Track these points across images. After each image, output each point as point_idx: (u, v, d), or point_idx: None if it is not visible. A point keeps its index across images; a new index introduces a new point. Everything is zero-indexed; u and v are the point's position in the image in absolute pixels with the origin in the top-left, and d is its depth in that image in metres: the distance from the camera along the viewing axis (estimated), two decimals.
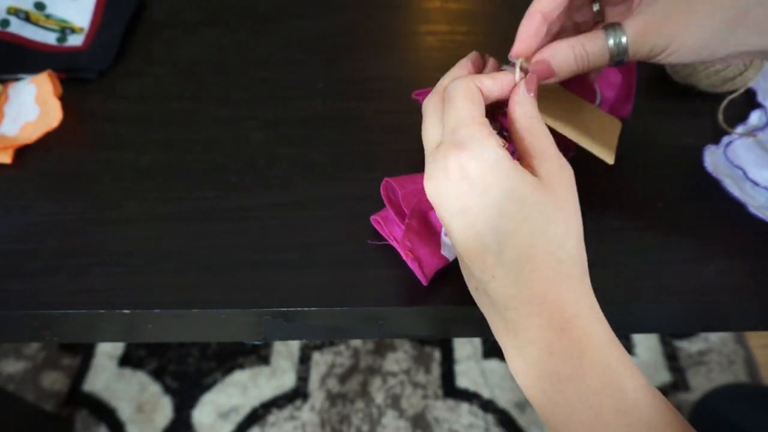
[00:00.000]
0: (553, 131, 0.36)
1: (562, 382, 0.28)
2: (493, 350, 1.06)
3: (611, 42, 0.32)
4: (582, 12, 0.37)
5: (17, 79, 0.50)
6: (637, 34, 0.32)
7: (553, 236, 0.28)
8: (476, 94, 0.30)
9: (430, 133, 0.31)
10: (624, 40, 0.32)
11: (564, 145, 0.39)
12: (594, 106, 0.41)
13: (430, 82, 0.47)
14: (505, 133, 0.37)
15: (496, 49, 0.55)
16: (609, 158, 0.37)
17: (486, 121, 0.30)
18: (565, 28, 0.38)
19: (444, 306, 0.38)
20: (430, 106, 0.32)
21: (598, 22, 0.37)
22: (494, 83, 0.32)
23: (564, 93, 0.39)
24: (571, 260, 0.29)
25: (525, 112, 0.31)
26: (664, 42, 0.31)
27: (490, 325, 0.32)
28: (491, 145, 0.28)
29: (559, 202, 0.29)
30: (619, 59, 0.33)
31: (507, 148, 0.36)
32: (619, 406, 0.27)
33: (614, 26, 0.32)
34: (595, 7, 0.36)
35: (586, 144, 0.36)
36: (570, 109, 0.38)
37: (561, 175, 0.30)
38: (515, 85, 0.32)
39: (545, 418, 0.29)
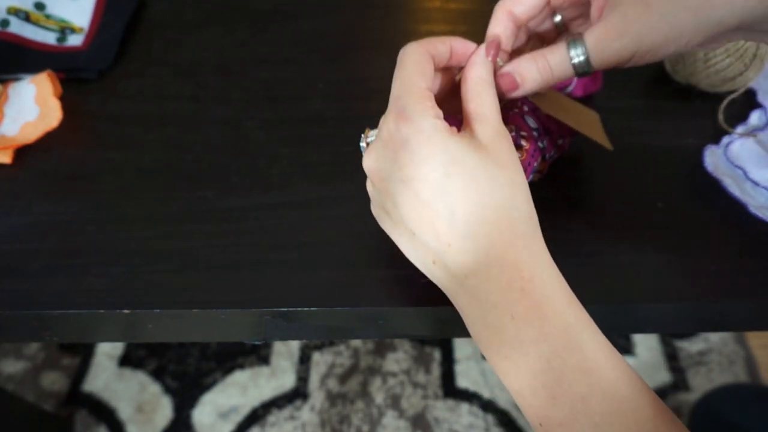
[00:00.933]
0: (557, 121, 0.37)
1: (524, 345, 0.28)
2: None
3: (572, 53, 0.32)
4: (545, 23, 0.37)
5: (17, 79, 0.50)
6: (597, 45, 0.31)
7: (501, 196, 0.28)
8: (426, 62, 0.31)
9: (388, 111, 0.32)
10: (584, 51, 0.32)
11: (567, 131, 0.39)
12: (576, 102, 0.41)
13: None
14: (523, 133, 0.37)
15: None
16: (608, 145, 0.38)
17: (429, 92, 0.30)
18: (530, 39, 0.38)
19: (444, 306, 0.38)
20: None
21: (561, 32, 0.37)
22: (444, 47, 0.32)
23: (554, 92, 0.40)
24: (523, 218, 0.29)
25: (478, 74, 0.31)
26: (629, 47, 0.31)
27: (451, 299, 0.31)
28: (429, 114, 0.29)
29: (502, 162, 0.29)
30: (583, 71, 0.32)
31: (527, 150, 0.37)
32: (581, 365, 0.27)
33: (575, 38, 0.32)
34: (557, 18, 0.36)
35: (589, 133, 0.38)
36: (564, 105, 0.39)
37: (500, 138, 0.30)
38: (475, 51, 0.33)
39: (508, 384, 0.29)
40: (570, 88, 0.44)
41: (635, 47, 0.31)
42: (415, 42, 0.32)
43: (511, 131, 0.38)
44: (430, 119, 0.28)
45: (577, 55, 0.32)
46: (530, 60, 0.33)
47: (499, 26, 0.34)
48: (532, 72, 0.33)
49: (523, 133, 0.38)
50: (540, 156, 0.39)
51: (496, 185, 0.28)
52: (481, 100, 0.31)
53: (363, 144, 0.34)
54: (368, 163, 0.31)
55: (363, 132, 0.34)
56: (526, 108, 0.38)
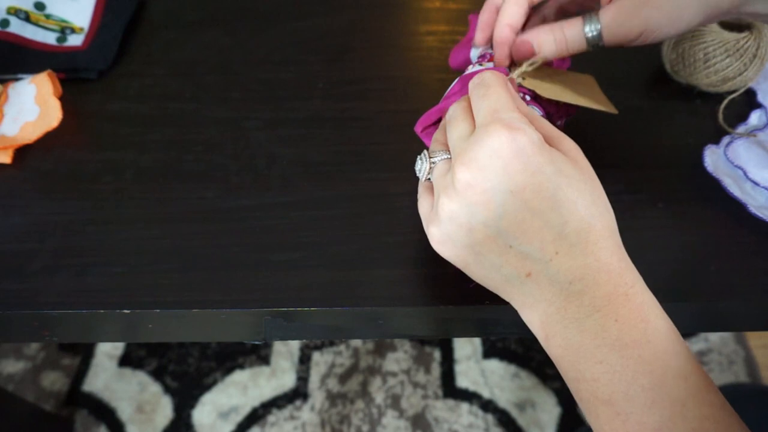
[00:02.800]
0: (553, 103, 0.37)
1: (626, 348, 0.27)
2: (493, 350, 1.06)
3: (587, 29, 0.35)
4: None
5: (17, 79, 0.50)
6: (610, 23, 0.35)
7: (602, 207, 0.29)
8: (509, 86, 0.32)
9: (462, 127, 0.31)
10: (598, 27, 0.35)
11: (564, 110, 0.39)
12: (568, 71, 0.41)
13: (430, 82, 0.47)
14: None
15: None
16: (612, 109, 0.38)
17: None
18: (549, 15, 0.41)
19: (444, 306, 0.38)
20: (461, 108, 0.32)
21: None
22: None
23: (546, 68, 0.40)
24: (615, 227, 0.30)
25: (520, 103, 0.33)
26: (638, 27, 0.35)
27: (531, 309, 0.30)
28: (534, 129, 0.29)
29: (591, 175, 0.30)
30: (595, 44, 0.36)
31: None
32: (680, 370, 0.27)
33: (591, 15, 0.36)
34: None
35: (589, 104, 0.38)
36: (559, 80, 0.39)
37: (581, 154, 0.31)
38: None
39: (599, 392, 0.28)
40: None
41: (643, 27, 0.34)
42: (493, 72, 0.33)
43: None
44: (537, 132, 0.29)
45: (591, 31, 0.35)
46: (548, 31, 0.36)
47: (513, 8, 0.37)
48: (549, 42, 0.36)
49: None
50: None
51: (596, 196, 0.29)
52: (539, 121, 0.32)
53: (424, 164, 0.33)
54: (464, 175, 0.29)
55: (420, 157, 0.33)
56: (528, 98, 0.38)
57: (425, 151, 0.33)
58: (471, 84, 0.32)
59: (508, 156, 0.28)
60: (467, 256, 0.31)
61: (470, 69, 0.40)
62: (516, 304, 0.31)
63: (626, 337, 0.28)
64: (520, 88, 0.38)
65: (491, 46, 0.39)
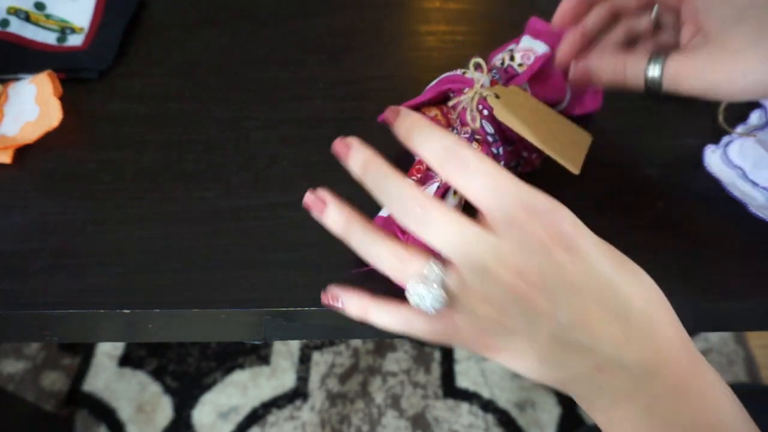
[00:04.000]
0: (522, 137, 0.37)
1: (700, 429, 0.26)
2: None
3: (650, 73, 0.32)
4: (640, 20, 0.36)
5: (17, 79, 0.50)
6: (675, 76, 0.32)
7: (647, 281, 0.27)
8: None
9: (454, 218, 0.26)
10: (660, 73, 0.32)
11: (534, 147, 0.39)
12: (566, 119, 0.40)
13: (430, 82, 0.47)
14: (477, 137, 0.38)
15: (495, 49, 0.55)
16: (574, 169, 0.37)
17: None
18: (617, 39, 0.37)
19: None
20: (436, 203, 0.27)
21: (658, 29, 0.37)
22: None
23: (537, 103, 0.40)
24: (668, 303, 0.28)
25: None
26: (702, 89, 0.31)
27: (603, 399, 0.27)
28: (564, 208, 0.26)
29: (627, 258, 0.28)
30: (654, 91, 0.33)
31: None
32: None
33: (658, 57, 0.32)
34: (653, 14, 0.35)
35: (551, 152, 0.36)
36: (540, 118, 0.38)
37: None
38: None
39: None
40: (563, 105, 0.43)
41: (707, 91, 0.31)
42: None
43: (465, 133, 0.38)
44: (574, 216, 0.26)
45: (653, 75, 0.32)
46: (609, 62, 0.33)
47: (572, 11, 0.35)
48: (608, 74, 0.34)
49: (478, 137, 0.38)
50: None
51: (644, 277, 0.27)
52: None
53: (433, 292, 0.27)
54: (507, 271, 0.25)
55: (419, 288, 0.28)
56: (485, 112, 0.38)
57: (416, 283, 0.27)
58: (449, 166, 0.26)
59: (556, 247, 0.25)
60: (524, 356, 0.27)
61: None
62: (578, 398, 0.28)
63: (700, 419, 0.25)
64: (482, 101, 0.38)
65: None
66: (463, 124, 0.39)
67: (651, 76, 0.32)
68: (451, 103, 0.41)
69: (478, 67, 0.40)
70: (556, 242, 0.25)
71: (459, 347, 0.29)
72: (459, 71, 0.41)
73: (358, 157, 0.29)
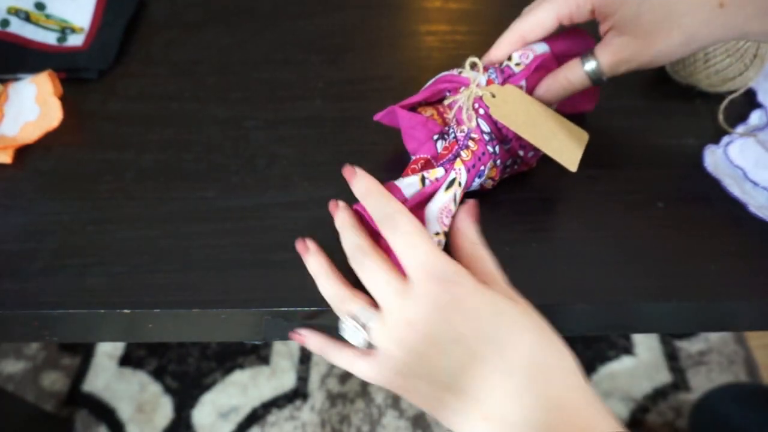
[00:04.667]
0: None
1: None
2: None
3: (588, 69, 0.38)
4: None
5: (17, 79, 0.50)
6: (608, 66, 0.38)
7: (546, 342, 0.30)
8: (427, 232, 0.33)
9: (389, 280, 0.31)
10: (596, 68, 0.38)
11: (530, 146, 0.39)
12: (562, 117, 0.41)
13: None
14: (474, 135, 0.38)
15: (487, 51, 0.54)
16: (571, 166, 0.38)
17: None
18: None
19: None
20: (373, 256, 0.33)
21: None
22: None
23: (533, 102, 0.40)
24: (573, 365, 0.30)
25: (470, 240, 0.34)
26: (638, 67, 0.38)
27: None
28: (467, 273, 0.30)
29: (531, 312, 0.31)
30: (598, 81, 0.39)
31: (473, 151, 0.38)
32: None
33: (588, 56, 0.38)
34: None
35: (548, 150, 0.38)
36: (536, 117, 0.39)
37: (512, 290, 0.32)
38: (456, 212, 0.36)
39: None
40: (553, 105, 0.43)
41: (638, 66, 0.38)
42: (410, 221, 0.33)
43: (461, 131, 0.38)
44: (470, 277, 0.30)
45: (591, 69, 0.38)
46: (555, 81, 0.40)
47: (505, 48, 0.41)
48: (558, 90, 0.40)
49: (474, 136, 0.38)
50: (490, 161, 0.38)
51: (540, 333, 0.30)
52: (482, 262, 0.33)
53: (358, 333, 0.33)
54: (408, 334, 0.30)
55: (346, 326, 0.33)
56: (481, 111, 0.38)
57: (350, 320, 0.33)
58: (385, 225, 0.32)
59: (447, 308, 0.29)
60: (432, 403, 0.31)
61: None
62: None
63: None
64: (477, 100, 0.38)
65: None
66: (459, 123, 0.39)
67: (590, 71, 0.38)
68: (447, 102, 0.41)
69: (474, 66, 0.40)
70: (448, 303, 0.29)
71: (392, 390, 0.33)
72: (455, 71, 0.41)
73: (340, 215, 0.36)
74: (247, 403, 1.01)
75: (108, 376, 1.05)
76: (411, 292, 0.30)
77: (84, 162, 0.45)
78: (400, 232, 0.32)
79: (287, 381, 1.04)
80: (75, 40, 0.54)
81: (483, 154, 0.38)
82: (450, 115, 0.40)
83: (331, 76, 0.51)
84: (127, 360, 1.07)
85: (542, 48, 0.41)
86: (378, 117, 0.42)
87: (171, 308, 0.37)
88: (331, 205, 0.37)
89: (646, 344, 1.06)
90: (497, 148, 0.38)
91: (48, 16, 0.54)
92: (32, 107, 0.47)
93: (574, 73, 0.39)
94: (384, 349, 0.32)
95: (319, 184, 0.44)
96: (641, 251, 0.40)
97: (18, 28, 0.53)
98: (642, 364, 1.04)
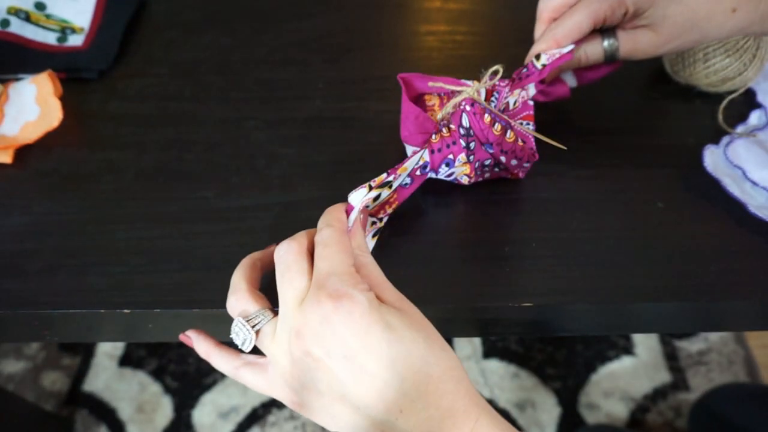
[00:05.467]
0: (516, 145, 0.38)
1: None
2: (493, 350, 1.06)
3: (606, 45, 0.42)
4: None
5: (18, 79, 0.50)
6: (631, 51, 0.41)
7: (437, 350, 0.30)
8: (348, 244, 0.33)
9: (298, 282, 0.31)
10: (615, 49, 0.42)
11: (525, 154, 0.39)
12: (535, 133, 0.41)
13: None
14: (452, 126, 0.39)
15: (495, 49, 0.55)
16: (562, 146, 0.39)
17: (353, 268, 0.31)
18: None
19: (444, 306, 0.38)
20: (294, 257, 0.32)
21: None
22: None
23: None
24: (455, 364, 0.30)
25: (356, 246, 0.34)
26: (651, 55, 0.41)
27: None
28: (364, 289, 0.30)
29: (417, 318, 0.31)
30: (611, 57, 0.42)
31: (442, 136, 0.39)
32: None
33: (609, 36, 0.41)
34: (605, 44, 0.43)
35: (540, 136, 0.39)
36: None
37: (404, 298, 0.32)
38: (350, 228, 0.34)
39: None
40: (531, 92, 0.43)
41: (649, 56, 0.42)
42: (335, 228, 0.33)
43: (444, 123, 0.39)
44: (365, 293, 0.30)
45: (609, 46, 0.42)
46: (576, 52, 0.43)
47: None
48: (577, 59, 0.43)
49: (451, 126, 0.38)
50: (462, 154, 0.38)
51: (430, 341, 0.30)
52: (369, 268, 0.33)
53: (248, 334, 0.32)
54: (299, 344, 0.30)
55: (238, 325, 0.32)
56: (468, 108, 0.38)
57: (240, 319, 0.32)
58: (316, 238, 0.33)
59: (337, 323, 0.29)
60: (324, 417, 0.31)
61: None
62: None
63: None
64: (468, 100, 0.38)
65: None
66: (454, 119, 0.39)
67: (608, 47, 0.42)
68: (454, 93, 0.42)
69: (495, 74, 0.40)
70: (341, 322, 0.29)
71: (283, 402, 0.33)
72: (470, 82, 0.41)
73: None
74: (247, 403, 1.01)
75: (108, 376, 1.05)
76: (307, 301, 0.30)
77: (84, 162, 0.45)
78: (320, 245, 0.32)
79: None
80: (75, 40, 0.54)
81: (453, 143, 0.38)
82: (449, 107, 0.40)
83: (331, 76, 0.51)
84: (127, 360, 1.07)
85: (570, 46, 0.41)
86: (402, 76, 0.42)
87: (171, 308, 0.37)
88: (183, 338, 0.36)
89: (646, 344, 1.06)
90: (473, 145, 0.38)
91: (48, 16, 0.54)
92: (32, 107, 0.47)
93: (594, 49, 0.42)
94: (271, 357, 0.32)
95: (319, 184, 0.44)
96: (641, 251, 0.40)
97: (18, 28, 0.53)
98: (642, 364, 1.04)
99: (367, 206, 0.37)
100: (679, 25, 0.40)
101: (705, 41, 0.41)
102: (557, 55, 0.41)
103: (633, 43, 0.41)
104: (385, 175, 0.37)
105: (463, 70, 0.48)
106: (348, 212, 0.35)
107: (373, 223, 0.38)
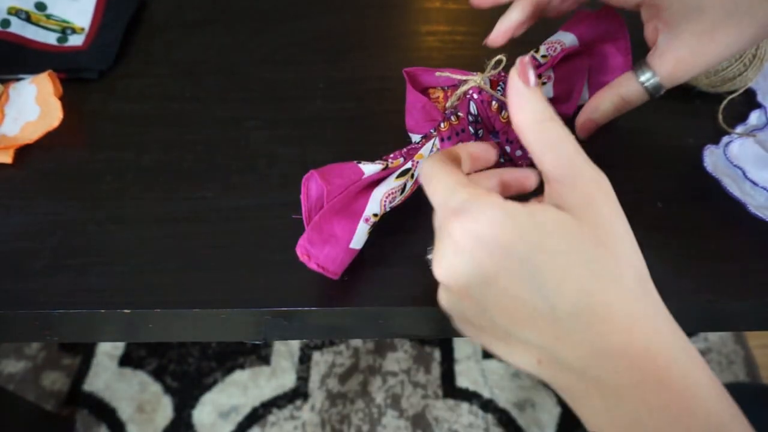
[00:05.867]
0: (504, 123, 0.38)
1: None
2: None
3: (644, 81, 0.36)
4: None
5: (18, 79, 0.50)
6: (671, 74, 0.35)
7: (608, 274, 0.24)
8: (450, 163, 0.28)
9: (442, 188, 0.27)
10: (656, 80, 0.35)
11: (519, 145, 0.39)
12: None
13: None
14: (460, 113, 0.39)
15: (495, 50, 0.55)
16: None
17: (468, 179, 0.27)
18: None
19: None
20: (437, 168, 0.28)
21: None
22: (464, 153, 0.30)
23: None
24: (641, 294, 0.25)
25: (530, 115, 0.26)
26: (699, 71, 0.35)
27: (566, 395, 0.26)
28: (491, 201, 0.25)
29: (600, 229, 0.25)
30: (657, 93, 0.37)
31: (451, 124, 0.38)
32: None
33: (642, 67, 0.35)
34: None
35: None
36: None
37: (593, 193, 0.26)
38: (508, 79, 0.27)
39: None
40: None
41: (703, 71, 0.35)
42: (431, 155, 0.30)
43: (451, 112, 0.39)
44: (496, 204, 0.24)
45: (648, 80, 0.35)
46: (602, 97, 0.37)
47: (519, 12, 0.37)
48: (608, 106, 0.37)
49: (459, 113, 0.38)
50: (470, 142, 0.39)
51: (596, 261, 0.24)
52: (555, 151, 0.26)
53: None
54: (440, 273, 0.26)
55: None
56: (475, 96, 0.38)
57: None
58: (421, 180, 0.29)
59: (467, 248, 0.24)
60: (487, 346, 0.27)
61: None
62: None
63: (665, 430, 0.23)
64: (475, 88, 0.38)
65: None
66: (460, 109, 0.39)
67: (648, 83, 0.35)
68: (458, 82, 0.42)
69: (499, 63, 0.40)
70: (474, 245, 0.24)
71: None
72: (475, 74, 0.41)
73: None
74: (247, 403, 1.02)
75: (108, 376, 1.05)
76: (436, 239, 0.26)
77: (84, 162, 0.45)
78: (425, 184, 0.28)
79: (287, 381, 1.04)
80: (75, 41, 0.54)
81: (462, 130, 0.38)
82: (454, 98, 0.40)
83: (331, 76, 0.51)
84: (127, 360, 1.07)
85: (570, 40, 0.41)
86: (407, 70, 0.42)
87: (171, 308, 0.37)
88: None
89: None
90: (480, 133, 0.38)
91: (48, 17, 0.54)
92: (32, 107, 0.47)
93: (629, 89, 0.35)
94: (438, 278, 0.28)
95: None
96: (641, 251, 0.40)
97: (18, 28, 0.53)
98: None
99: (394, 199, 0.36)
100: (725, 12, 0.31)
101: (764, 35, 0.32)
102: (558, 49, 0.41)
103: (673, 60, 0.34)
104: (402, 159, 0.37)
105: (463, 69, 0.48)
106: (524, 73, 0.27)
107: (375, 214, 0.37)
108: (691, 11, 0.32)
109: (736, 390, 0.27)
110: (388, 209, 0.37)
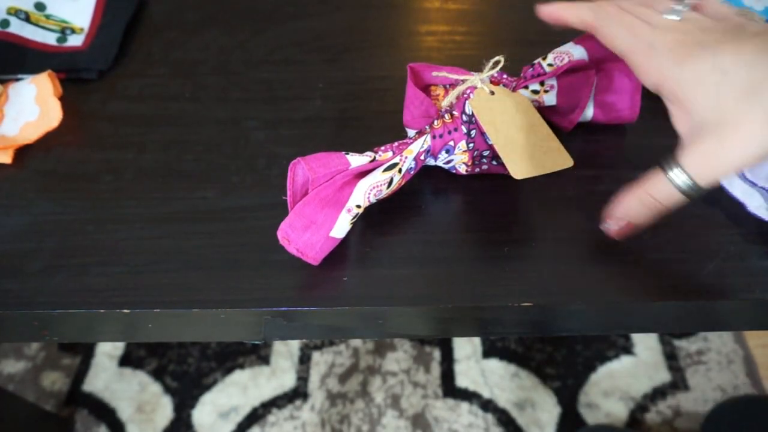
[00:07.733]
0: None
1: None
2: (492, 350, 1.06)
3: (679, 182, 0.32)
4: None
5: (17, 80, 0.50)
6: (701, 174, 0.31)
7: None
8: None
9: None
10: (688, 178, 0.31)
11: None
12: (555, 139, 0.39)
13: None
14: (454, 112, 0.39)
15: (495, 49, 0.55)
16: (515, 172, 0.37)
17: None
18: None
19: (444, 306, 0.38)
20: None
21: None
22: None
23: (528, 111, 0.40)
24: None
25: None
26: (733, 169, 0.31)
27: None
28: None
29: None
30: (697, 194, 0.32)
31: (444, 122, 0.39)
32: None
33: (670, 164, 0.32)
34: None
35: (502, 154, 0.37)
36: (518, 124, 0.39)
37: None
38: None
39: None
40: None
41: (738, 169, 0.31)
42: None
43: (447, 110, 0.39)
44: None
45: (683, 181, 0.31)
46: (632, 201, 0.34)
47: (575, 20, 0.38)
48: (639, 211, 0.34)
49: (454, 112, 0.39)
50: (462, 141, 0.39)
51: None
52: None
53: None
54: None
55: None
56: (472, 95, 0.38)
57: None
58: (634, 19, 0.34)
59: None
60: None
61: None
62: None
63: None
64: (472, 88, 0.38)
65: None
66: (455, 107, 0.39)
67: (683, 185, 0.31)
68: (457, 81, 0.42)
69: (497, 64, 0.40)
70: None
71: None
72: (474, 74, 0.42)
73: None
74: (247, 403, 1.02)
75: (108, 376, 1.05)
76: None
77: (84, 162, 0.45)
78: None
79: (287, 381, 1.04)
80: (75, 41, 0.54)
81: (455, 129, 0.38)
82: (452, 96, 0.40)
83: (331, 76, 0.51)
84: (127, 360, 1.07)
85: (580, 53, 0.41)
86: (411, 65, 0.41)
87: (171, 308, 0.37)
88: None
89: (646, 344, 1.07)
90: (473, 133, 0.38)
91: (48, 17, 0.54)
92: (32, 107, 0.47)
93: (660, 191, 0.32)
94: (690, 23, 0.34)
95: None
96: (641, 251, 0.40)
97: (18, 28, 0.53)
98: (641, 363, 1.04)
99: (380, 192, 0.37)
100: (739, 101, 0.29)
101: None
102: (566, 60, 0.40)
103: (701, 158, 0.31)
104: (391, 153, 0.37)
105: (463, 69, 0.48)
106: None
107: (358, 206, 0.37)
108: (712, 106, 0.30)
109: (746, 403, 0.27)
110: (372, 201, 0.37)
